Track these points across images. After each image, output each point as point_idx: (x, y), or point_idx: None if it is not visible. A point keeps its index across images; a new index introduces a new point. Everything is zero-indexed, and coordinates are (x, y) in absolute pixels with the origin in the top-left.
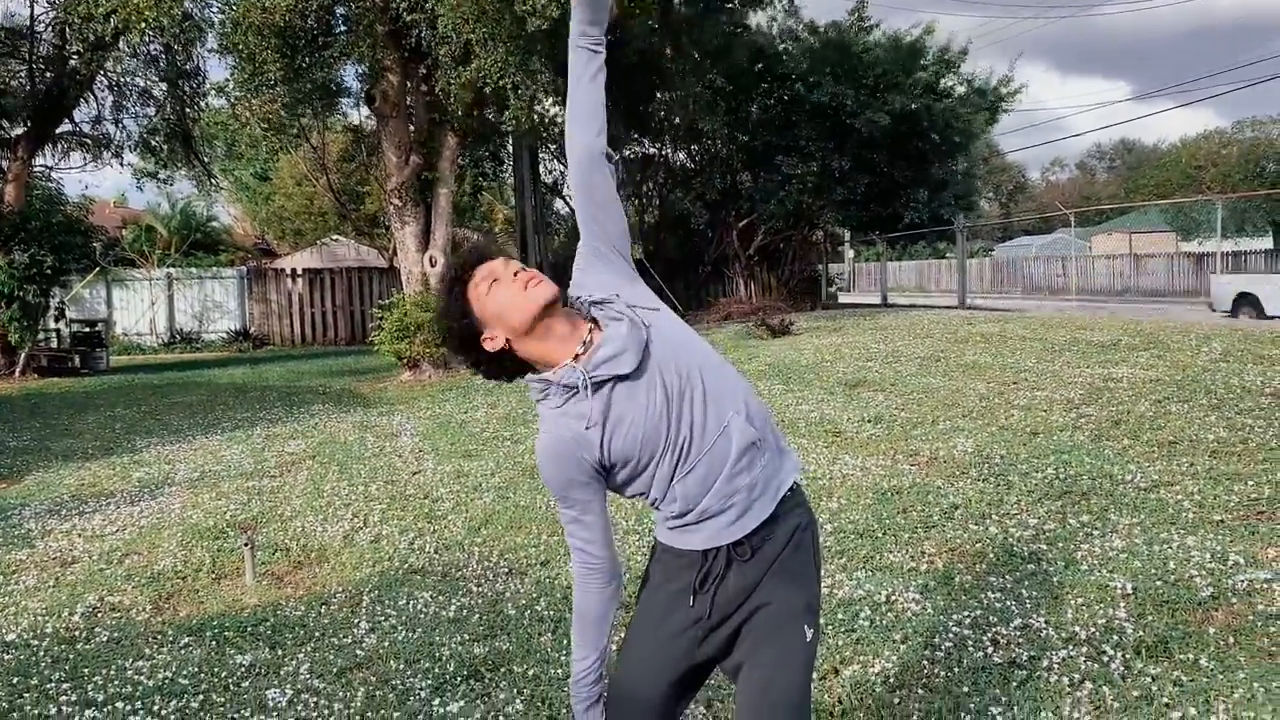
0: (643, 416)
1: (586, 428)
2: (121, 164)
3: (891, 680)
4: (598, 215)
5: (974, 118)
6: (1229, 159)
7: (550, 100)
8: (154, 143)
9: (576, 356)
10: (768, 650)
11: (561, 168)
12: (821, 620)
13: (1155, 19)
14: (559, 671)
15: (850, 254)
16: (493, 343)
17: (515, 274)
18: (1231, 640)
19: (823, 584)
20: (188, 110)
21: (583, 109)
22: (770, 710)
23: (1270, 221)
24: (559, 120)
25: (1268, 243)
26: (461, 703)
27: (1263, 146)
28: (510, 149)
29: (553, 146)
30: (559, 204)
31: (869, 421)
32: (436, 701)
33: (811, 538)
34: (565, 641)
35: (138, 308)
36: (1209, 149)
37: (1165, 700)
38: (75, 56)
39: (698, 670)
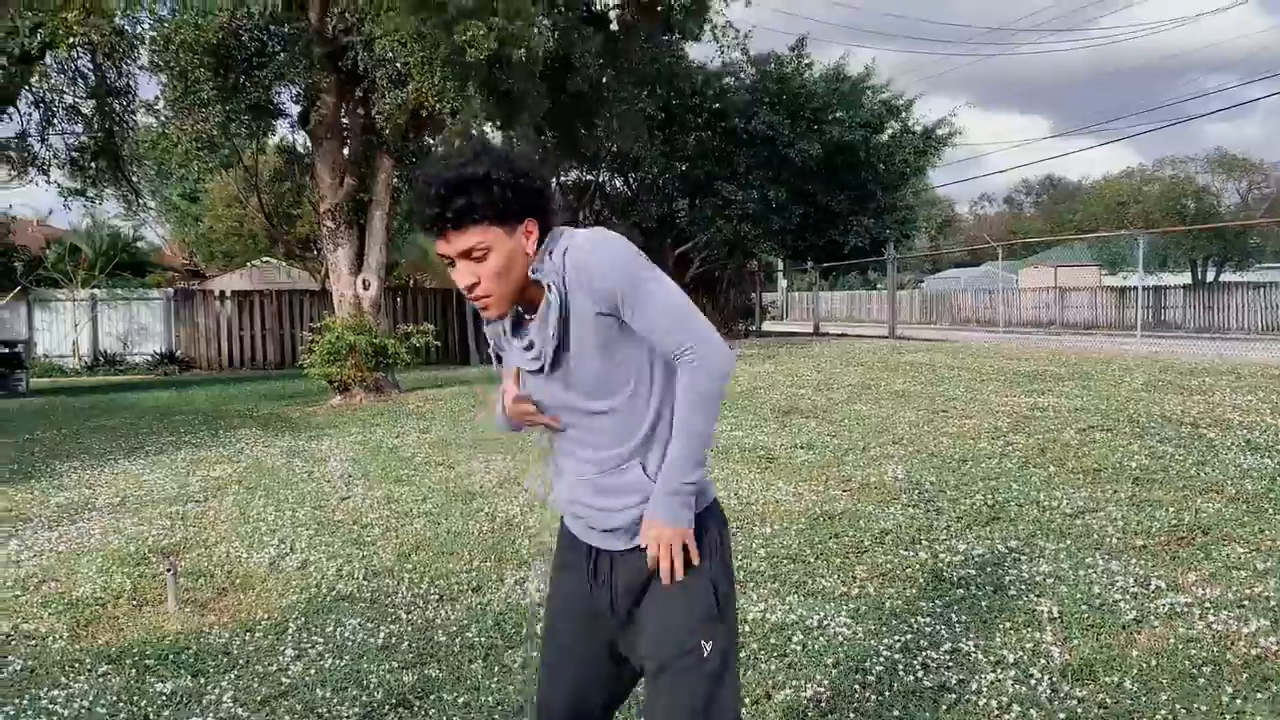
0: None
1: None
2: (48, 181)
3: (823, 704)
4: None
5: (921, 155)
6: (1150, 196)
7: (489, 126)
8: (82, 161)
9: None
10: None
11: None
12: (755, 645)
13: (1069, 59)
14: (489, 699)
15: (784, 283)
16: None
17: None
18: (1154, 663)
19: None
20: (117, 128)
21: None
22: None
23: (1189, 259)
24: None
25: (1186, 278)
26: None
27: (1182, 184)
28: None
29: None
30: None
31: (801, 448)
32: None
33: None
34: (496, 668)
35: (60, 329)
36: (1131, 186)
37: None
38: None
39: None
